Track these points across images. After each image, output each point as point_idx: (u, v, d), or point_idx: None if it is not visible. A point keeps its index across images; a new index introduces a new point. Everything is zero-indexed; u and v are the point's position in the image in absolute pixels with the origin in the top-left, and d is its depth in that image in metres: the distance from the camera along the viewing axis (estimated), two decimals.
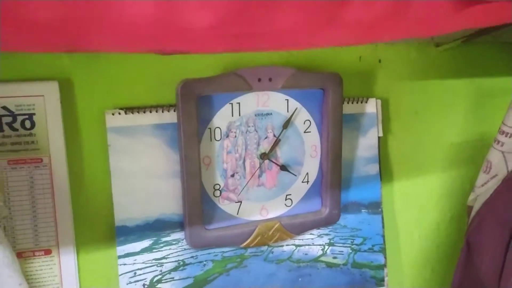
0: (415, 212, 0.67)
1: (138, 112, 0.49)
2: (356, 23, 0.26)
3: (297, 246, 0.58)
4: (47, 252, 0.48)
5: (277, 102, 0.53)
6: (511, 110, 0.53)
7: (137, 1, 0.20)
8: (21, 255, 0.46)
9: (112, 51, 0.39)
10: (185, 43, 0.26)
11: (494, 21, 0.32)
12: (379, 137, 0.61)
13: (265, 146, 0.54)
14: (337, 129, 0.56)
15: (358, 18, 0.25)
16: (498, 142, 0.54)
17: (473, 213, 0.58)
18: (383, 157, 0.62)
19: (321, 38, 0.29)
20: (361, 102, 0.58)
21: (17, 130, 0.45)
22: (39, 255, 0.47)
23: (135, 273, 0.51)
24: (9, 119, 0.45)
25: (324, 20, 0.24)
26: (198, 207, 0.51)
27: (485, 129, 0.66)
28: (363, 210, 0.61)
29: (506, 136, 0.53)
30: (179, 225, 0.52)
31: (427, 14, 0.27)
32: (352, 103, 0.58)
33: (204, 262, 0.54)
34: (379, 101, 0.59)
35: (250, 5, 0.22)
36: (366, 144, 0.60)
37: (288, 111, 0.54)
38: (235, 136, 0.53)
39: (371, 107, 0.59)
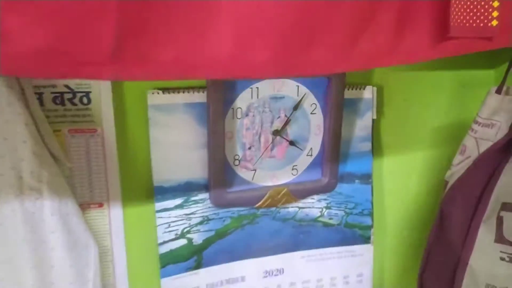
0: (400, 183, 0.75)
1: (173, 92, 0.58)
2: (364, 56, 0.35)
3: (300, 208, 0.68)
4: (100, 205, 0.58)
5: (289, 88, 0.62)
6: (484, 104, 0.62)
7: (222, 42, 0.29)
8: (80, 207, 0.57)
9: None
10: (247, 71, 0.35)
11: (466, 52, 0.42)
12: (373, 119, 0.69)
13: (277, 125, 0.64)
14: (338, 112, 0.65)
15: (365, 53, 0.34)
16: (473, 130, 0.63)
17: (448, 186, 0.66)
18: (375, 137, 0.70)
19: (340, 67, 0.39)
20: (360, 89, 0.67)
21: (76, 105, 0.54)
22: (93, 207, 0.58)
23: (169, 224, 0.61)
24: (70, 95, 0.54)
25: (342, 55, 0.34)
26: (221, 173, 0.61)
27: (464, 116, 0.73)
28: (356, 181, 0.71)
29: (479, 125, 0.62)
30: (205, 187, 0.62)
31: (414, 48, 0.37)
32: (352, 89, 0.67)
33: (224, 219, 0.64)
34: (375, 89, 0.67)
35: (294, 45, 0.31)
36: (361, 125, 0.69)
37: (298, 96, 0.63)
38: (253, 116, 0.62)
39: (368, 93, 0.68)
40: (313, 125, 0.66)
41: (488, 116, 0.62)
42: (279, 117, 0.63)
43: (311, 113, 0.65)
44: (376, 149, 0.72)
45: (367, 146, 0.70)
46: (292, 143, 0.65)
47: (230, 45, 0.30)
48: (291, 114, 0.64)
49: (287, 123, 0.64)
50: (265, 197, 0.65)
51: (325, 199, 0.70)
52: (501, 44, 0.42)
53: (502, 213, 0.58)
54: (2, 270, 0.48)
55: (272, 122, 0.63)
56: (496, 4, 0.37)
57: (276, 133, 0.63)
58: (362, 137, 0.70)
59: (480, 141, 0.63)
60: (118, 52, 0.29)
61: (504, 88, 0.62)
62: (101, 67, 0.29)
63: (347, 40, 0.34)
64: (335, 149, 0.67)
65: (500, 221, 0.58)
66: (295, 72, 0.45)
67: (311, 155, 0.67)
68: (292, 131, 0.65)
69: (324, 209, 0.70)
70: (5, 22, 0.25)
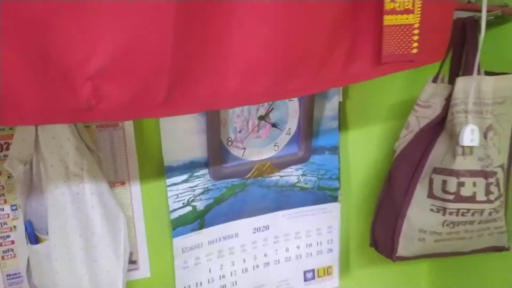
0: (361, 152, 0.90)
1: None
2: (325, 80, 0.50)
3: (281, 176, 0.83)
4: (123, 183, 0.72)
5: None
6: (423, 90, 0.77)
7: (232, 82, 0.43)
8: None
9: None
10: (247, 100, 0.48)
11: (396, 71, 0.57)
12: (340, 102, 0.83)
13: (262, 111, 0.77)
14: (311, 99, 0.79)
15: (326, 78, 0.49)
16: (415, 110, 0.79)
17: (395, 154, 0.81)
18: (341, 116, 0.84)
19: (310, 91, 0.53)
20: None
21: None
22: (117, 185, 0.72)
23: (177, 196, 0.75)
24: None
25: (312, 82, 0.49)
26: (218, 152, 0.75)
27: (414, 95, 0.84)
28: (326, 152, 0.85)
29: (419, 107, 0.78)
30: (205, 164, 0.76)
31: (359, 72, 0.51)
32: None
33: (221, 188, 0.78)
34: None
35: (280, 80, 0.45)
36: (330, 107, 0.83)
37: None
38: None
39: None
40: (291, 110, 0.80)
41: (426, 99, 0.77)
42: (263, 105, 0.77)
43: (289, 100, 0.79)
44: (342, 125, 0.87)
45: (335, 123, 0.85)
46: (274, 125, 0.79)
47: (237, 83, 0.44)
48: (273, 102, 0.77)
49: (270, 110, 0.78)
50: (253, 170, 0.79)
51: (301, 168, 0.84)
52: (420, 64, 0.58)
53: (433, 175, 0.74)
54: (57, 239, 0.62)
55: (257, 110, 0.77)
56: (416, 38, 0.52)
57: (261, 118, 0.78)
58: (330, 117, 0.84)
59: (420, 118, 0.78)
60: (168, 99, 0.42)
61: (440, 76, 0.78)
62: (157, 110, 0.43)
63: (315, 72, 0.49)
64: (309, 128, 0.81)
65: (431, 181, 0.74)
66: (281, 98, 0.60)
67: (290, 134, 0.81)
68: (274, 116, 0.79)
69: (300, 176, 0.85)
70: (102, 89, 0.38)
